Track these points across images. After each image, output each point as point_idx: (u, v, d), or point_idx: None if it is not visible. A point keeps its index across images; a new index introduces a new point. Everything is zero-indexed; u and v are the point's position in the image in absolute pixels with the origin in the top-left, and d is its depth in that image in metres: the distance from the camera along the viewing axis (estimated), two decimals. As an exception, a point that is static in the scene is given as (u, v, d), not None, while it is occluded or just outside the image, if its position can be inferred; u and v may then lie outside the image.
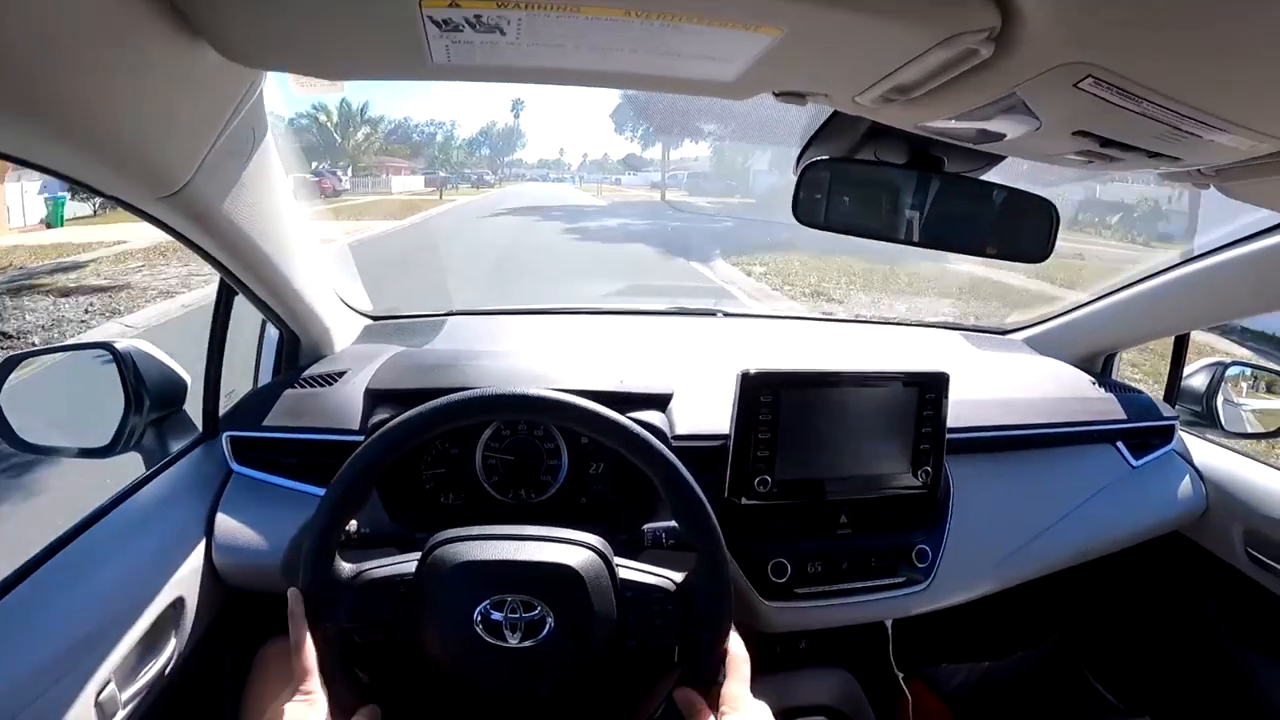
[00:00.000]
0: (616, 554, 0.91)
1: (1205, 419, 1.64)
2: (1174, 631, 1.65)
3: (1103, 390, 1.57)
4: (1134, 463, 1.49)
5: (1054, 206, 0.97)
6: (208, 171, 0.79)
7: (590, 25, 0.50)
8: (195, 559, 1.10)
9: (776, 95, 0.67)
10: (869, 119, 0.83)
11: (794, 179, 0.93)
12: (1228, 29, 0.44)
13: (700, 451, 1.20)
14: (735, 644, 0.89)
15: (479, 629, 0.83)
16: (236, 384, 1.36)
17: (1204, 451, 1.60)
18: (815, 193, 0.92)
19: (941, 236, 0.96)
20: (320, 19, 0.51)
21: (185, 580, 1.07)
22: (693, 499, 0.88)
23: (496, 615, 0.83)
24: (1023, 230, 0.98)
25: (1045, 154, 0.77)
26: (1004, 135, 0.71)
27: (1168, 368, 1.67)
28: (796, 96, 0.67)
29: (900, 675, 1.57)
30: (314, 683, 0.80)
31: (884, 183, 0.93)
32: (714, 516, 0.89)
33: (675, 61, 0.58)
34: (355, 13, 0.50)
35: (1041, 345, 1.79)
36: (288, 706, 0.78)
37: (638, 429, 0.89)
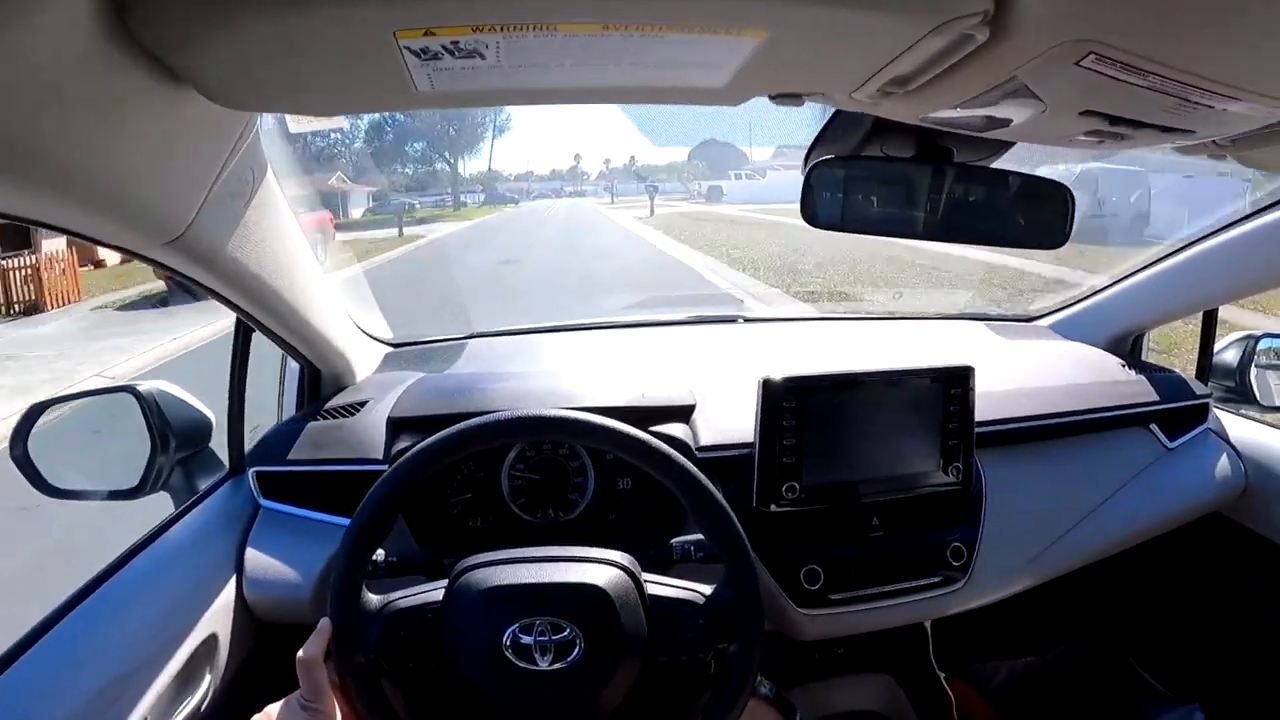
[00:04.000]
0: (646, 570, 0.91)
1: (1239, 394, 1.60)
2: (1219, 614, 1.62)
3: (1132, 372, 1.54)
4: (1169, 444, 1.46)
5: (1069, 191, 0.96)
6: (208, 215, 0.79)
7: (568, 43, 0.50)
8: (227, 595, 1.11)
9: (772, 98, 0.65)
10: (872, 115, 0.83)
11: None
12: None
13: (726, 461, 1.19)
14: None
15: (509, 653, 0.83)
16: (263, 419, 1.37)
17: (1240, 428, 1.56)
18: (824, 193, 0.91)
19: (956, 228, 0.95)
20: (301, 60, 0.51)
21: (218, 616, 1.08)
22: (716, 509, 0.87)
23: (525, 639, 0.83)
24: (1038, 216, 0.97)
25: (1055, 137, 0.75)
26: (1010, 121, 0.69)
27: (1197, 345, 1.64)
28: (792, 98, 0.65)
29: (942, 676, 1.55)
30: (323, 701, 0.81)
31: (894, 178, 0.92)
32: (739, 526, 0.88)
33: (661, 72, 0.57)
34: (334, 50, 0.50)
35: (1068, 330, 1.76)
36: (289, 711, 0.79)
37: (655, 442, 0.89)
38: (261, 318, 1.10)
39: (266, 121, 0.98)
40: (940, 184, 0.92)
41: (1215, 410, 1.56)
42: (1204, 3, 0.44)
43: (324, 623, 0.85)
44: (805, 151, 0.95)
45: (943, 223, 0.93)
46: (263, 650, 1.21)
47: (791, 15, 0.47)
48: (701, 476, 0.88)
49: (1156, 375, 1.54)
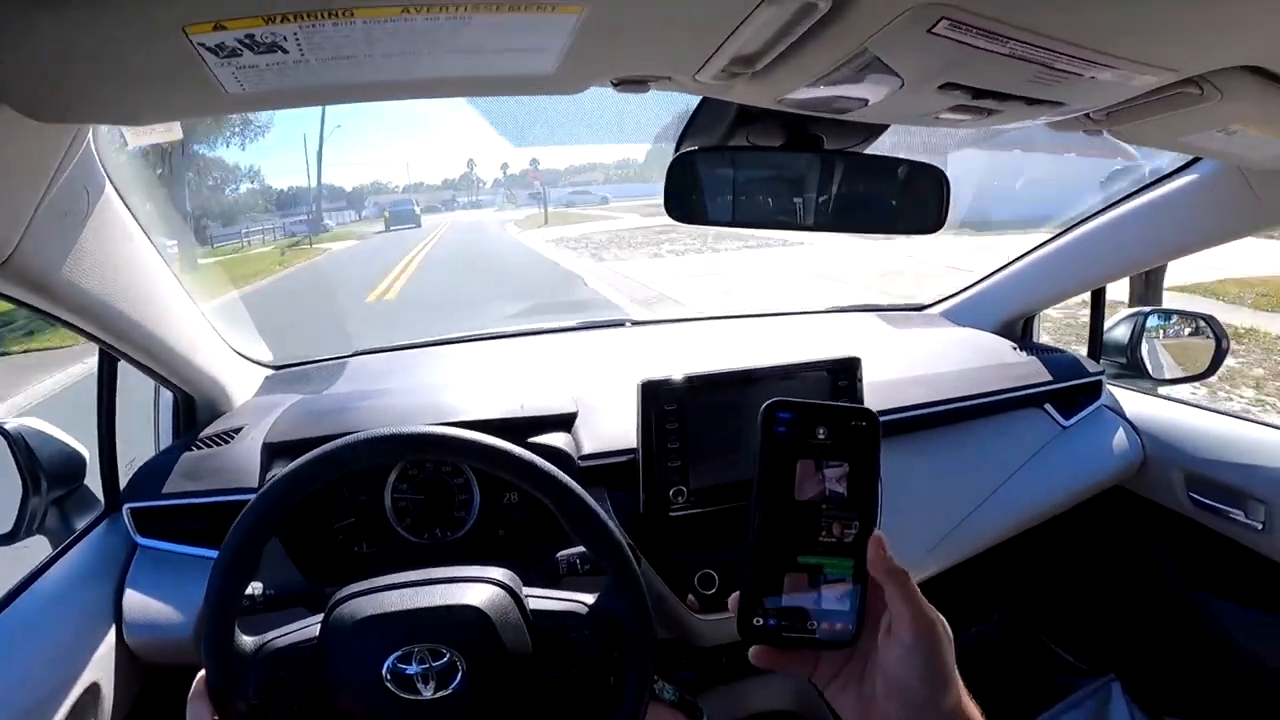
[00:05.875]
0: (533, 584, 0.88)
1: (1132, 370, 1.66)
2: (1126, 584, 1.66)
3: (1024, 354, 1.57)
4: (1064, 423, 1.49)
5: (943, 173, 0.95)
6: (37, 236, 0.74)
7: (371, 30, 0.47)
8: (108, 641, 1.06)
9: (615, 85, 0.63)
10: (735, 102, 0.81)
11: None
12: None
13: (612, 468, 1.17)
14: None
15: (390, 685, 0.79)
16: (141, 453, 1.30)
17: (1136, 403, 1.61)
18: (685, 186, 0.89)
19: (831, 218, 0.93)
20: (102, 65, 0.48)
21: (99, 664, 1.03)
22: (590, 517, 0.85)
23: (407, 669, 0.79)
24: (914, 202, 0.96)
25: (918, 115, 0.74)
26: (868, 100, 0.68)
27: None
28: (636, 84, 0.63)
29: None
30: None
31: (763, 168, 0.91)
32: (616, 532, 0.86)
33: (482, 59, 0.54)
34: (131, 53, 0.47)
35: (959, 316, 1.79)
36: None
37: (521, 451, 0.86)
38: (120, 345, 1.04)
39: (115, 137, 0.93)
40: (811, 173, 0.91)
41: (1110, 387, 1.61)
42: None
43: (200, 677, 0.80)
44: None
45: (815, 213, 0.92)
46: (150, 695, 1.15)
47: None
48: (573, 485, 0.85)
49: (1049, 356, 1.57)
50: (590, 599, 0.87)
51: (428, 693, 0.79)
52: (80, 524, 1.21)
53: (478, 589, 0.84)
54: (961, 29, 0.49)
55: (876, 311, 1.90)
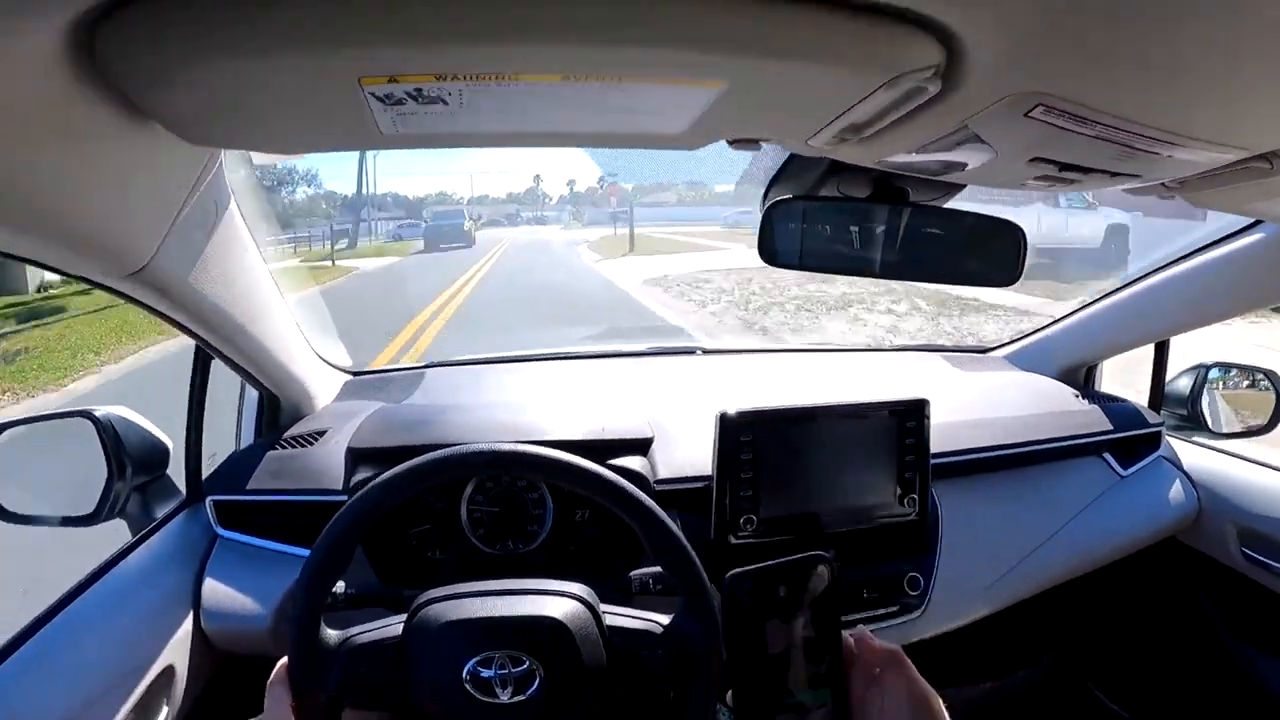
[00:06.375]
0: (605, 601, 0.90)
1: (1191, 422, 1.65)
2: (1174, 636, 1.65)
3: (1086, 402, 1.57)
4: (1122, 472, 1.49)
5: (1020, 229, 0.97)
6: (171, 248, 0.79)
7: (531, 92, 0.50)
8: (185, 626, 1.10)
9: (731, 143, 0.67)
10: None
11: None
12: (1170, 49, 0.44)
13: (684, 494, 1.20)
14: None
15: (469, 687, 0.82)
16: (219, 447, 1.35)
17: (1193, 455, 1.60)
18: (783, 232, 0.92)
19: (911, 268, 0.96)
20: (268, 100, 0.51)
21: (175, 648, 1.07)
22: (670, 541, 0.88)
23: (485, 672, 0.82)
24: (991, 255, 0.98)
25: (1006, 181, 0.77)
26: (964, 166, 0.71)
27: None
28: (750, 143, 0.67)
29: None
30: None
31: (850, 218, 0.93)
32: (694, 555, 0.88)
33: (623, 118, 0.58)
34: (300, 92, 0.50)
35: (1023, 361, 1.79)
36: None
37: (613, 477, 0.89)
38: (222, 347, 1.09)
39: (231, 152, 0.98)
40: (896, 223, 0.92)
41: (1168, 438, 1.60)
42: (1143, 58, 0.45)
43: (281, 665, 0.84)
44: (763, 189, 0.96)
45: (898, 262, 0.94)
46: (222, 681, 1.19)
47: (749, 68, 0.48)
48: (657, 510, 0.88)
49: (1110, 405, 1.57)
50: (665, 619, 0.89)
51: (504, 697, 0.82)
52: (159, 512, 1.25)
53: (559, 602, 0.86)
54: (1054, 113, 0.52)
55: (941, 352, 1.91)
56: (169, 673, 1.05)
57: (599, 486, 0.88)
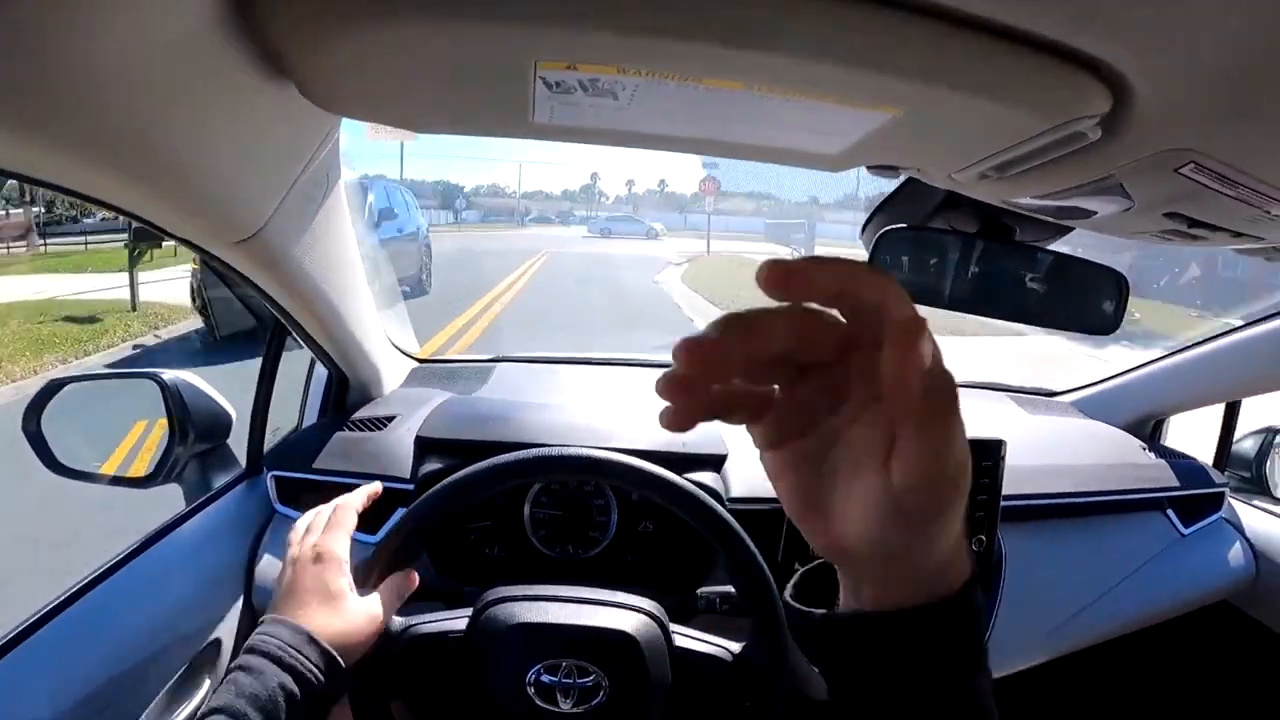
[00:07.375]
0: (670, 616, 0.90)
1: (1255, 485, 1.62)
2: (1221, 702, 1.61)
3: (1153, 456, 1.54)
4: (1184, 530, 1.46)
5: (1124, 277, 0.96)
6: (283, 216, 0.78)
7: (707, 96, 0.48)
8: (235, 600, 1.10)
9: (871, 169, 0.66)
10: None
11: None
12: None
13: (754, 514, 1.17)
14: None
15: (531, 692, 0.82)
16: (279, 422, 1.35)
17: (1254, 519, 1.56)
18: (892, 262, 0.91)
19: (1008, 306, 0.95)
20: (425, 74, 0.48)
21: (225, 622, 1.07)
22: (755, 567, 0.87)
23: (550, 679, 0.82)
24: (1090, 302, 0.96)
25: (1129, 231, 0.76)
26: (1095, 213, 0.70)
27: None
28: (890, 170, 0.66)
29: None
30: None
31: (954, 251, 0.92)
32: (774, 586, 0.87)
33: (782, 133, 0.56)
34: (463, 68, 0.47)
35: (1090, 408, 1.76)
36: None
37: (703, 496, 0.88)
38: (305, 323, 1.08)
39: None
40: (1000, 261, 0.92)
41: (1230, 500, 1.57)
42: None
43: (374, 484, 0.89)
44: (867, 215, 0.95)
45: (998, 299, 0.93)
46: None
47: (930, 96, 0.46)
48: (744, 535, 0.87)
49: (1176, 461, 1.54)
50: (735, 647, 0.88)
51: (566, 706, 0.81)
52: (216, 481, 1.25)
53: (630, 616, 0.86)
54: (1204, 171, 0.51)
55: (1009, 392, 1.88)
56: (215, 645, 1.05)
57: (690, 504, 0.88)
